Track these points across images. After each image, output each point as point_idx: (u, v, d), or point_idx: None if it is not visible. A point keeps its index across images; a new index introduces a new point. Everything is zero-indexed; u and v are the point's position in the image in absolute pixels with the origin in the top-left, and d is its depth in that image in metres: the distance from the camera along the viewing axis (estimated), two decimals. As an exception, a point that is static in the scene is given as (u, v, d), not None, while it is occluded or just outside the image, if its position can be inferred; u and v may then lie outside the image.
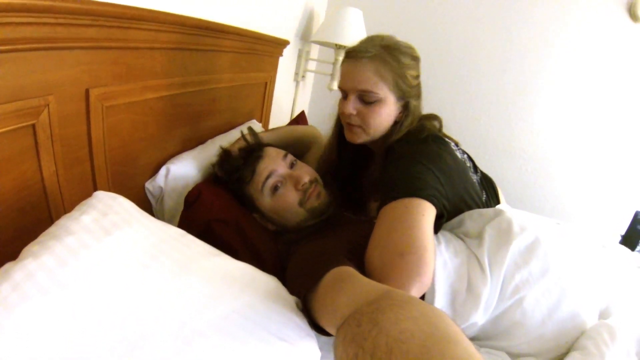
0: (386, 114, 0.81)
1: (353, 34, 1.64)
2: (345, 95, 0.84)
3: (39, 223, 0.60)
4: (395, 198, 0.65)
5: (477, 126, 2.04)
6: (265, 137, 0.96)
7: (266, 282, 0.55)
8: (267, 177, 0.79)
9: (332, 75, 1.83)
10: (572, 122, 1.93)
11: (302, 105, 2.20)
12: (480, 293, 0.67)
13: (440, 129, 0.87)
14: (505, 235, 0.71)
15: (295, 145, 1.04)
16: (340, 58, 1.79)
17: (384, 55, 0.77)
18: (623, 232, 1.74)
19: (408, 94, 0.81)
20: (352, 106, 0.81)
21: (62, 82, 0.57)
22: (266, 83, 1.44)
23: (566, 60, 1.85)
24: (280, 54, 1.49)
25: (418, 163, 0.71)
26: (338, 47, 1.72)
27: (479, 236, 0.74)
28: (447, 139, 0.83)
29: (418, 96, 0.85)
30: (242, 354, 0.43)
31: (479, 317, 0.68)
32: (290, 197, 0.79)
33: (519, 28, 1.85)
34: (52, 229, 0.49)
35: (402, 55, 0.79)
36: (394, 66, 0.77)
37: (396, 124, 0.83)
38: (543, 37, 1.84)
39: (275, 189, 0.79)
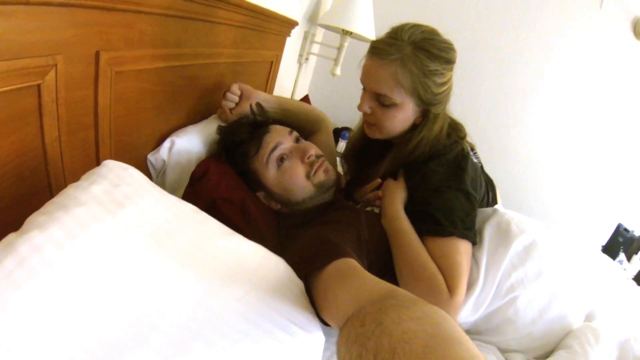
0: (402, 118, 0.79)
1: (361, 20, 1.61)
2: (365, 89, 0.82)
3: (37, 191, 0.57)
4: (451, 234, 0.69)
5: (474, 125, 2.03)
6: (271, 104, 0.93)
7: (277, 263, 0.54)
8: (273, 149, 0.77)
9: (336, 61, 1.80)
10: (566, 131, 1.98)
11: (303, 88, 2.16)
12: (472, 291, 0.69)
13: (463, 137, 0.87)
14: (505, 235, 0.73)
15: (301, 118, 1.00)
16: (346, 44, 1.76)
17: (406, 60, 0.72)
18: (604, 242, 1.81)
19: (429, 102, 0.77)
20: (367, 105, 0.80)
21: (72, 42, 0.53)
22: (272, 62, 1.40)
23: (567, 71, 1.88)
24: (288, 34, 1.45)
25: (459, 191, 0.73)
26: (344, 32, 1.69)
27: (478, 234, 0.76)
28: (468, 149, 0.82)
29: (443, 102, 0.80)
30: (253, 335, 0.43)
31: (468, 312, 0.70)
32: (297, 169, 0.78)
33: (527, 32, 1.86)
34: (59, 199, 0.46)
35: (431, 58, 0.72)
36: (416, 74, 0.73)
37: (415, 126, 0.81)
38: (548, 45, 1.86)
39: (281, 160, 0.78)
